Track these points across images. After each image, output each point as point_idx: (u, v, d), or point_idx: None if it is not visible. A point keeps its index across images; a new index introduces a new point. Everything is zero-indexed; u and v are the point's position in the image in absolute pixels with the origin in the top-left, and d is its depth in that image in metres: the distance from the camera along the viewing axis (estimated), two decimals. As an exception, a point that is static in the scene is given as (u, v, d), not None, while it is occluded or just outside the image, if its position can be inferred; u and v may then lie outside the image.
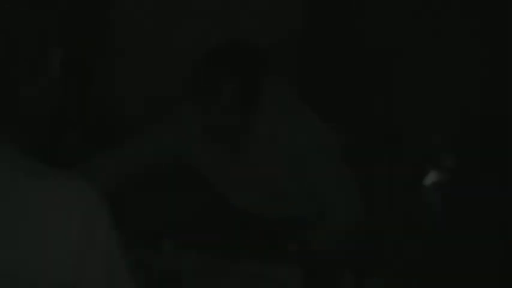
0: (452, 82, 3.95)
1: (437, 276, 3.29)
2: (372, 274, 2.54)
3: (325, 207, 2.61)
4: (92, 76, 4.10)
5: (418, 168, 3.79)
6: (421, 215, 3.72)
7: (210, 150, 2.69)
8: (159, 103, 3.59)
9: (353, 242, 2.62)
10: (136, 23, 4.10)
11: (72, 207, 1.30)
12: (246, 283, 2.42)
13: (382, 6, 4.00)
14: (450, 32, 3.91)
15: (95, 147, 2.92)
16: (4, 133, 1.32)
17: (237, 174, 2.70)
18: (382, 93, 4.01)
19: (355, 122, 3.84)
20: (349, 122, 3.67)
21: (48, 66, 1.34)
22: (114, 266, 1.36)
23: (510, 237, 3.46)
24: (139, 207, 2.96)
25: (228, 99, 2.48)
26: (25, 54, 1.31)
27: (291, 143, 2.57)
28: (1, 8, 1.29)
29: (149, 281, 2.35)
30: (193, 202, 2.92)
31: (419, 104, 3.98)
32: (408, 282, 3.16)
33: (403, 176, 3.77)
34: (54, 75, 1.35)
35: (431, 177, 3.77)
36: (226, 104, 2.48)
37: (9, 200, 1.29)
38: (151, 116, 2.89)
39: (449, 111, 3.96)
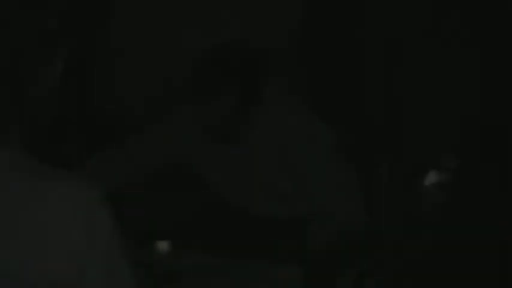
0: (453, 83, 3.95)
1: (437, 276, 3.29)
2: (372, 274, 2.55)
3: (325, 207, 2.61)
4: (92, 76, 4.10)
5: (418, 168, 3.79)
6: (421, 215, 3.71)
7: (210, 150, 2.69)
8: (159, 103, 3.59)
9: (353, 241, 2.62)
10: (136, 23, 4.10)
11: (72, 207, 1.30)
12: (246, 283, 2.42)
13: (384, 6, 3.99)
14: (451, 33, 3.91)
15: (95, 147, 2.91)
16: (4, 133, 1.32)
17: (237, 174, 2.70)
18: (382, 93, 4.01)
19: (355, 122, 3.84)
20: (349, 122, 3.67)
21: (51, 67, 1.34)
22: (114, 266, 1.36)
23: (510, 238, 3.46)
24: (139, 207, 2.95)
25: (227, 99, 2.48)
26: (28, 55, 1.31)
27: (291, 144, 2.57)
28: (3, 9, 1.29)
29: (149, 281, 2.35)
30: (193, 202, 2.92)
31: (419, 104, 3.98)
32: (408, 282, 3.16)
33: (403, 176, 3.77)
34: (57, 76, 1.35)
35: (431, 177, 3.76)
36: (226, 105, 2.49)
37: (10, 200, 1.29)
38: (151, 116, 2.89)
39: (450, 111, 3.96)
